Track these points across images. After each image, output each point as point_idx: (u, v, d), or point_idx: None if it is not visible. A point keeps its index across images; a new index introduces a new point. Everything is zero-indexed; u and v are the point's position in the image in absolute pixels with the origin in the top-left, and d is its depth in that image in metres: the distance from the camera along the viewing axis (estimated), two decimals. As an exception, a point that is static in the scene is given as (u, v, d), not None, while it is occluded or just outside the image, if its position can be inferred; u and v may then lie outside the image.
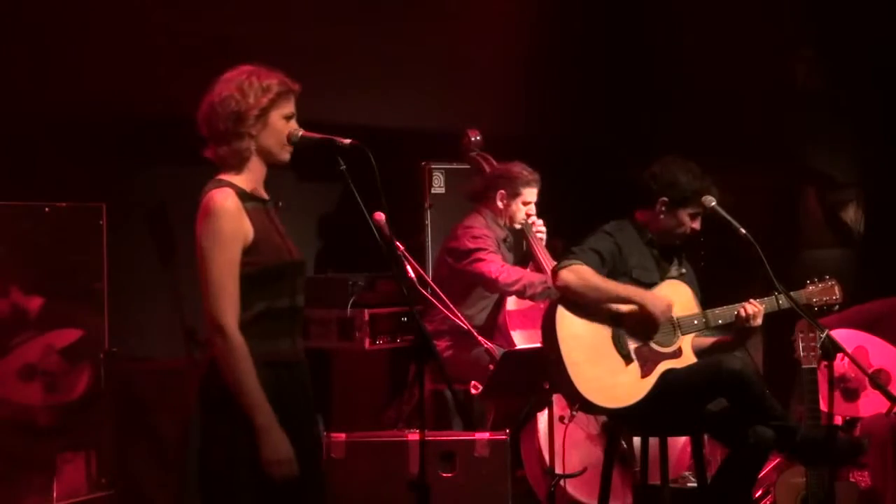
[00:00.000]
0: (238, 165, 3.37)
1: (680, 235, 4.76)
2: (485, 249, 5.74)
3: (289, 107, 3.41)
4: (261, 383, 3.24)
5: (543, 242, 5.97)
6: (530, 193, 5.90)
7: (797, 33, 7.10)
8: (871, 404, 5.35)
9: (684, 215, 4.72)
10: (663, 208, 4.73)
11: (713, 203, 4.65)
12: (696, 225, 4.75)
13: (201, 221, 3.28)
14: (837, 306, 4.86)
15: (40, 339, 5.25)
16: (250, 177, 3.39)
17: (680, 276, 4.79)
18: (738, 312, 4.60)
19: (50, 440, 5.28)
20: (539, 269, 5.87)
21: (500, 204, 5.91)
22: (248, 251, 3.29)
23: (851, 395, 5.38)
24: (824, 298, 4.78)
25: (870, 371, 5.19)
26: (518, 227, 5.95)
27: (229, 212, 3.27)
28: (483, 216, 5.94)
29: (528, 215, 5.92)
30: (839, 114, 7.00)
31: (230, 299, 3.23)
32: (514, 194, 5.88)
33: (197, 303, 3.39)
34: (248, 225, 3.29)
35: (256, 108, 3.33)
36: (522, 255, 6.10)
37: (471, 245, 5.76)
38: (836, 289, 4.79)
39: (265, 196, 3.45)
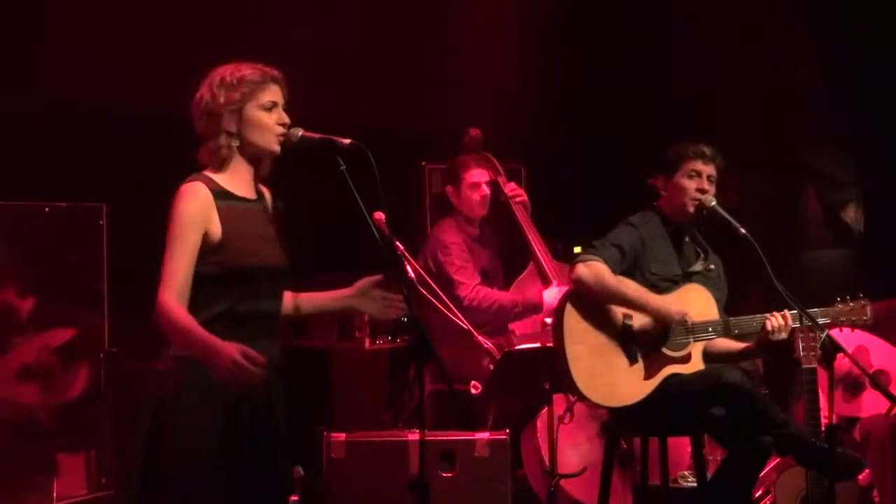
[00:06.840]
0: (218, 164, 3.30)
1: (693, 205, 4.64)
2: (456, 266, 5.68)
3: (268, 95, 3.31)
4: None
5: (526, 208, 5.96)
6: (473, 175, 5.83)
7: (797, 33, 7.10)
8: (872, 403, 5.34)
9: (682, 179, 4.66)
10: (664, 184, 4.72)
11: (713, 203, 4.62)
12: (703, 185, 4.64)
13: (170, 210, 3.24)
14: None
15: (35, 340, 5.25)
16: (234, 176, 3.31)
17: (707, 272, 4.72)
18: (765, 324, 4.48)
19: (50, 440, 5.29)
20: (532, 253, 5.86)
21: (452, 200, 5.89)
22: (215, 250, 3.23)
23: (854, 391, 5.36)
24: (853, 318, 4.62)
25: (870, 371, 5.17)
26: (480, 216, 5.84)
27: (191, 198, 3.22)
28: (452, 217, 5.89)
29: (483, 195, 5.83)
30: (839, 114, 7.00)
31: (175, 278, 3.19)
32: (456, 182, 5.84)
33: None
34: (216, 222, 3.23)
35: (228, 105, 3.26)
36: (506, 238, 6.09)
37: (441, 257, 5.72)
38: (868, 309, 4.63)
39: (252, 196, 3.37)
